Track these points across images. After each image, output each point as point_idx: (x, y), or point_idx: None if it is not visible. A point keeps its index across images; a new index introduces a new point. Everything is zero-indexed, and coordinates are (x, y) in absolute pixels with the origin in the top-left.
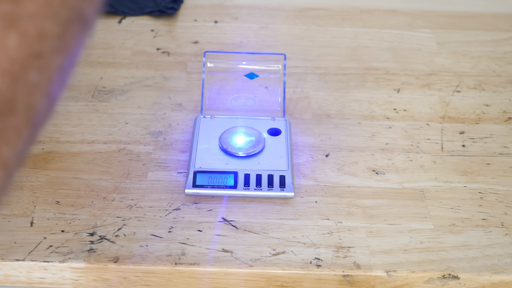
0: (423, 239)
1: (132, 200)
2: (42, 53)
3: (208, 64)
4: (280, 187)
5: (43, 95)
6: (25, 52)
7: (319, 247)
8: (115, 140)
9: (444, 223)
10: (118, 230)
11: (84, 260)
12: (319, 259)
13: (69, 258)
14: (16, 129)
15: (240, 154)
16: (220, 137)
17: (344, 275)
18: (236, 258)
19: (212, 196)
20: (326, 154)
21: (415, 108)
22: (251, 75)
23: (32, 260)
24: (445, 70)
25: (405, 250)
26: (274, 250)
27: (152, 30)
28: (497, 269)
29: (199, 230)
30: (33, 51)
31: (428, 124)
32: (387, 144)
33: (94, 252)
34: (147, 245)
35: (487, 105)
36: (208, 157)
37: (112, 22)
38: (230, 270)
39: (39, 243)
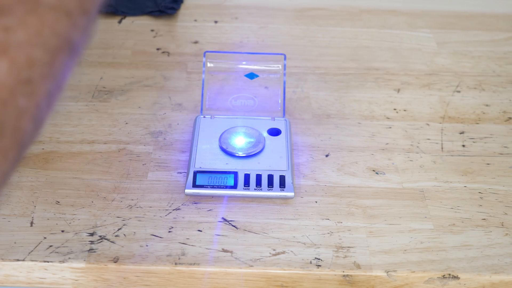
0: (423, 239)
1: (132, 200)
2: (31, 80)
3: (208, 64)
4: (280, 187)
5: (30, 119)
6: (15, 79)
7: (319, 247)
8: (115, 140)
9: (444, 223)
10: (118, 230)
11: (84, 260)
12: (319, 259)
13: (69, 258)
14: (3, 151)
15: (240, 154)
16: (220, 137)
17: (344, 275)
18: (236, 258)
19: (212, 196)
20: (326, 154)
21: (415, 108)
22: (251, 75)
23: (32, 260)
24: (445, 70)
25: (405, 250)
26: (274, 250)
27: (152, 30)
28: (497, 269)
29: (199, 230)
30: (22, 78)
31: (428, 124)
32: (387, 144)
33: (94, 252)
34: (147, 245)
35: (487, 105)
36: (208, 157)
37: (112, 22)
38: (230, 270)
39: (39, 243)
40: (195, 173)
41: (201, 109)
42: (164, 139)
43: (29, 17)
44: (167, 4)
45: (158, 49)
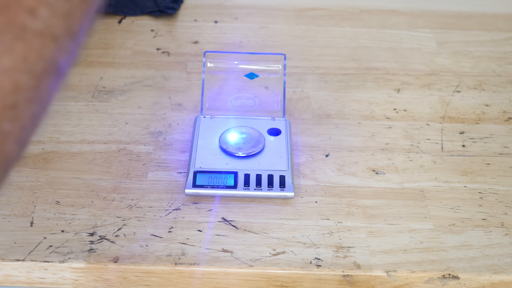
0: (423, 239)
1: (132, 200)
2: (16, 105)
3: (208, 64)
4: (280, 187)
5: (14, 141)
6: (0, 104)
7: (319, 247)
8: (115, 140)
9: (444, 223)
10: (118, 230)
11: (84, 260)
12: (319, 259)
13: (69, 258)
14: None
15: (240, 154)
16: (220, 137)
17: (344, 275)
18: (236, 258)
19: (212, 196)
20: (326, 154)
21: (415, 108)
22: (251, 75)
23: (32, 260)
24: (445, 70)
25: (405, 250)
26: (274, 250)
27: (152, 30)
28: (497, 269)
29: (199, 230)
30: (7, 103)
31: (428, 124)
32: (387, 144)
33: (94, 252)
34: (147, 245)
35: (487, 105)
36: (208, 157)
37: (112, 22)
38: (230, 270)
39: (39, 243)
40: (195, 173)
41: (201, 109)
42: (164, 139)
43: (16, 43)
44: (167, 4)
45: (158, 49)
